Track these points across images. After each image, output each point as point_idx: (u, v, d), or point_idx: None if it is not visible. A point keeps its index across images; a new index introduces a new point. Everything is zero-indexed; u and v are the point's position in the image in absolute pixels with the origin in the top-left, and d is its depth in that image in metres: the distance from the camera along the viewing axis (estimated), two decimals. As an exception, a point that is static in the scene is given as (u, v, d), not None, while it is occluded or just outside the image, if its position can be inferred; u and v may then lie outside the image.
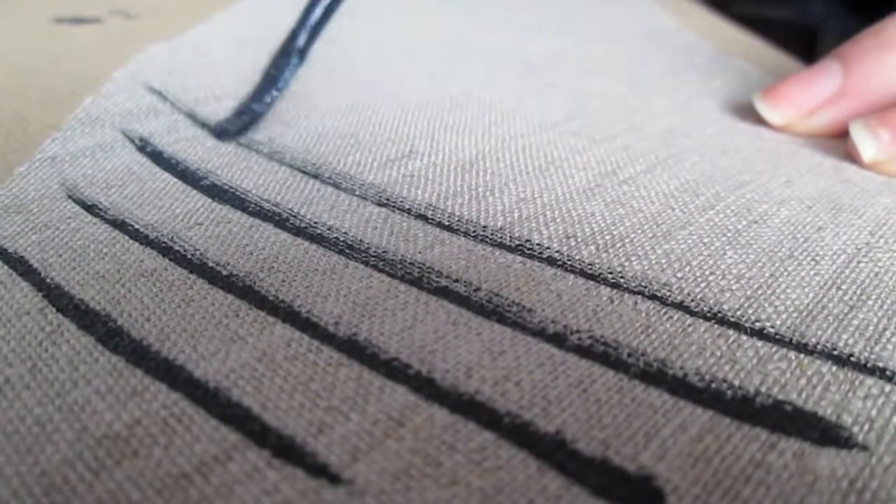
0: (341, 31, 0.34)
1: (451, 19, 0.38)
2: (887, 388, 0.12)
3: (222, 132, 0.21)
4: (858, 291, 0.15)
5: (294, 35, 0.24)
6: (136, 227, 0.16)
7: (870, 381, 0.12)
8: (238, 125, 0.22)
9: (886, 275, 0.16)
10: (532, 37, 0.35)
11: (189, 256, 0.15)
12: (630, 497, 0.10)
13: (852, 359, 0.13)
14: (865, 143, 0.21)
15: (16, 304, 0.14)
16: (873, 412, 0.12)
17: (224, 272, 0.15)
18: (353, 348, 0.13)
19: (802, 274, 0.15)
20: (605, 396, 0.12)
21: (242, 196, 0.18)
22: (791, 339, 0.13)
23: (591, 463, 0.11)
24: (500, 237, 0.16)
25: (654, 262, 0.16)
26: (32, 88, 0.25)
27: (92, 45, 0.30)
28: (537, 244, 0.16)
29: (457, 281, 0.15)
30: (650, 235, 0.17)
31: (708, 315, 0.14)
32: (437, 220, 0.17)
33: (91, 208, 0.17)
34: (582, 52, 0.33)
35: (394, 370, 0.12)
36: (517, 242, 0.16)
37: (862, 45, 0.22)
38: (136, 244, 0.16)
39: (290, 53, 0.23)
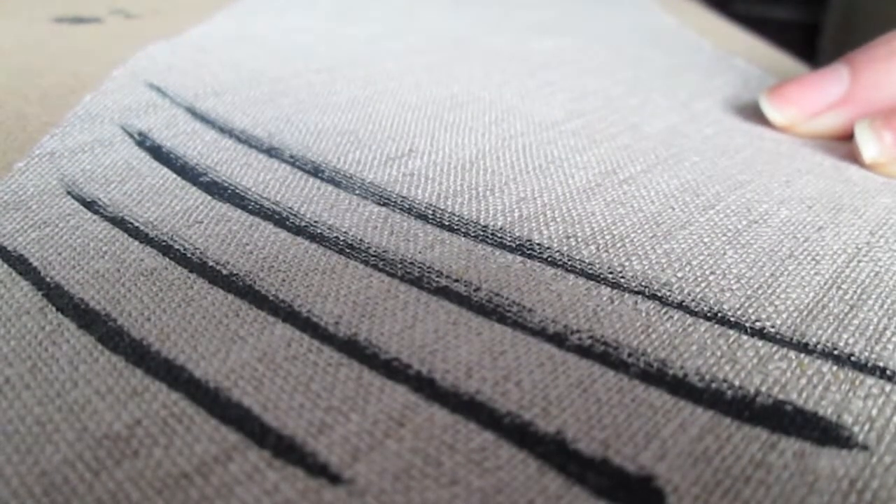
0: (342, 29, 0.34)
1: (451, 18, 0.38)
2: (888, 387, 0.12)
3: None
4: (859, 291, 0.15)
5: None
6: (136, 224, 0.16)
7: (870, 380, 0.12)
8: None
9: (887, 274, 0.16)
10: (532, 36, 0.35)
11: (189, 255, 0.15)
12: (630, 497, 0.10)
13: (853, 358, 0.13)
14: (868, 143, 0.21)
15: (16, 303, 0.14)
16: (874, 412, 0.12)
17: (224, 271, 0.15)
18: (353, 348, 0.13)
19: (803, 274, 0.15)
20: (606, 396, 0.12)
21: (242, 193, 0.18)
22: (791, 339, 0.13)
23: (592, 463, 0.11)
24: (501, 237, 0.16)
25: (654, 261, 0.16)
26: (32, 87, 0.25)
27: (92, 45, 0.30)
28: (537, 244, 0.16)
29: (457, 281, 0.15)
30: (650, 235, 0.17)
31: (708, 315, 0.14)
32: (438, 219, 0.17)
33: (90, 205, 0.17)
34: (582, 52, 0.33)
35: (394, 370, 0.12)
36: (517, 242, 0.16)
37: (872, 52, 0.22)
38: (136, 242, 0.16)
39: None
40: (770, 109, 0.24)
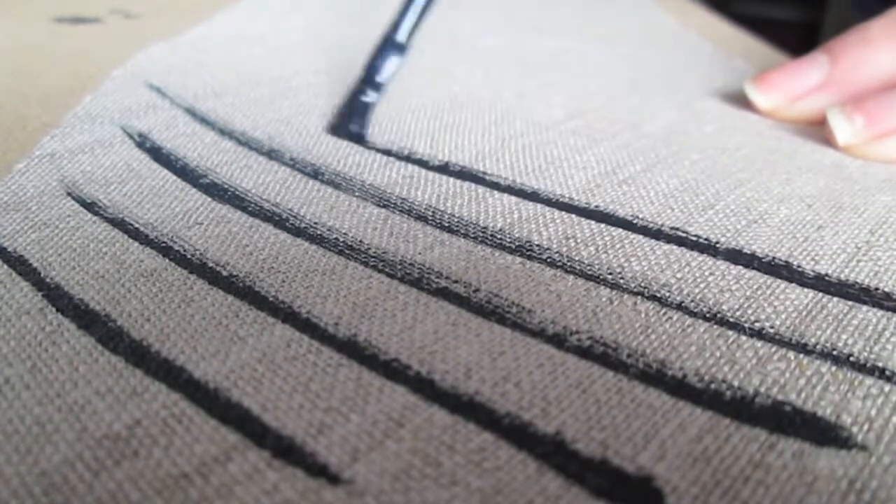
0: (342, 30, 0.34)
1: (451, 18, 0.38)
2: (887, 387, 0.12)
3: (338, 129, 0.22)
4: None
5: (395, 28, 0.24)
6: (136, 225, 0.16)
7: (869, 380, 0.12)
8: (351, 118, 0.23)
9: (886, 274, 0.16)
10: (532, 37, 0.35)
11: (189, 256, 0.15)
12: (630, 497, 0.10)
13: (851, 359, 0.13)
14: (841, 127, 0.22)
15: (15, 303, 0.14)
16: (873, 412, 0.12)
17: (224, 272, 0.15)
18: (353, 349, 0.13)
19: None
20: (605, 397, 0.12)
21: (242, 195, 0.18)
22: (790, 339, 0.13)
23: (591, 463, 0.11)
24: (500, 238, 0.16)
25: (653, 262, 0.16)
26: (32, 87, 0.25)
27: (92, 45, 0.30)
28: (537, 245, 0.16)
29: (456, 282, 0.15)
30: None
31: (707, 315, 0.14)
32: (437, 220, 0.17)
33: (90, 206, 0.17)
34: (582, 52, 0.33)
35: (393, 371, 0.12)
36: (517, 243, 0.16)
37: (848, 40, 0.24)
38: (136, 243, 0.16)
39: (389, 48, 0.24)
40: (755, 94, 0.25)
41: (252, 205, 0.18)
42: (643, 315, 0.14)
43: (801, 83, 0.24)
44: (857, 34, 0.24)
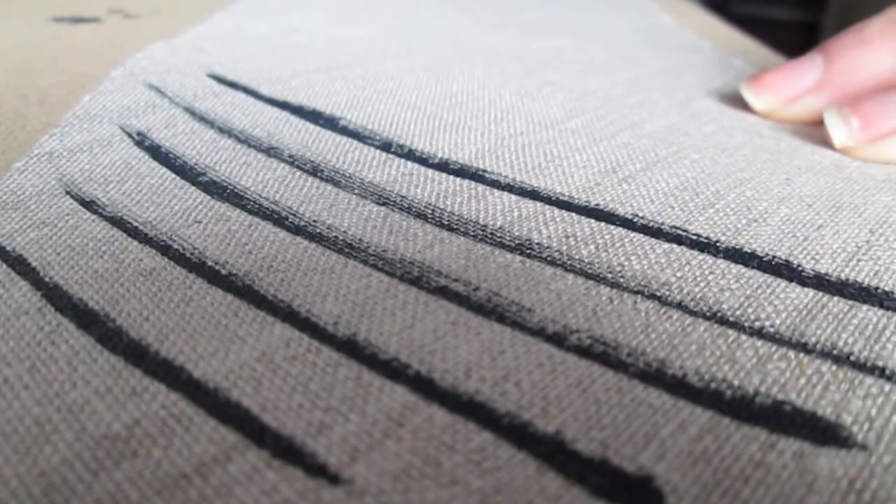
0: (341, 29, 0.34)
1: (451, 18, 0.38)
2: (887, 387, 0.12)
3: None
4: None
5: None
6: (135, 224, 0.16)
7: (869, 380, 0.12)
8: None
9: (886, 273, 0.16)
10: (532, 36, 0.35)
11: (188, 255, 0.15)
12: (630, 497, 0.10)
13: (852, 358, 0.13)
14: (837, 128, 0.22)
15: (14, 303, 0.14)
16: (873, 411, 0.12)
17: (223, 271, 0.15)
18: (353, 348, 0.13)
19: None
20: (605, 396, 0.12)
21: (241, 193, 0.18)
22: (790, 339, 0.13)
23: (591, 463, 0.11)
24: (500, 236, 0.16)
25: (653, 261, 0.16)
26: (32, 87, 0.25)
27: (91, 45, 0.30)
28: (537, 243, 0.16)
29: (456, 280, 0.15)
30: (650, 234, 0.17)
31: (707, 314, 0.14)
32: (437, 218, 0.17)
33: (89, 205, 0.17)
34: (582, 52, 0.33)
35: (393, 370, 0.12)
36: (517, 241, 0.16)
37: (844, 41, 0.24)
38: (135, 242, 0.16)
39: None
40: (750, 96, 0.25)
41: (251, 203, 0.18)
42: (643, 314, 0.14)
43: (796, 84, 0.24)
44: (854, 34, 0.24)
